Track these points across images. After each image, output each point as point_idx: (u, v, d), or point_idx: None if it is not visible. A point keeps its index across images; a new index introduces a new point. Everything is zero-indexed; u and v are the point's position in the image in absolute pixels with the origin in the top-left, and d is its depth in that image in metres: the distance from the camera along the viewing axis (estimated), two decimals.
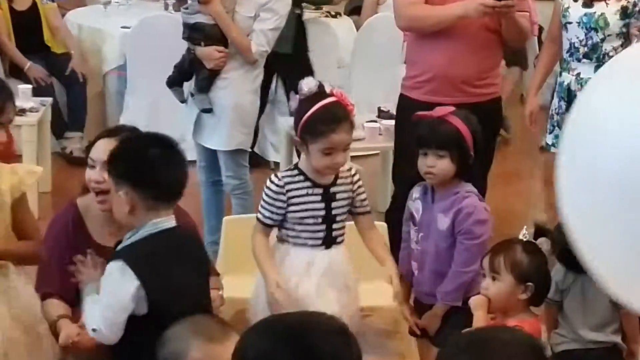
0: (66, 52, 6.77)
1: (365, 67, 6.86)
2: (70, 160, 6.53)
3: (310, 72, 6.14)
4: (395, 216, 3.91)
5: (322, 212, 3.35)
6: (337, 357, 1.90)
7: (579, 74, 4.52)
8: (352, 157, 5.97)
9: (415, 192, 3.54)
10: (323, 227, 3.37)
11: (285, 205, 3.32)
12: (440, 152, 3.39)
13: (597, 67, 4.42)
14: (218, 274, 3.53)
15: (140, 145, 2.93)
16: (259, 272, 3.39)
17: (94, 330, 2.81)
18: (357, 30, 7.26)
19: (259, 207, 3.38)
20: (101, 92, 7.04)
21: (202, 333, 2.45)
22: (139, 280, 2.77)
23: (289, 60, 5.84)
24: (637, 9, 4.44)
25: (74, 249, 3.17)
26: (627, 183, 1.85)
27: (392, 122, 4.88)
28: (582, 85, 4.48)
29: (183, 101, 4.96)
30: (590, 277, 3.44)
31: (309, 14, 7.50)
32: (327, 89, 3.33)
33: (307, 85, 3.29)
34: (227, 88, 4.81)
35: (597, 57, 4.48)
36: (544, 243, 3.30)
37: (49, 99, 6.17)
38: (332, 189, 3.38)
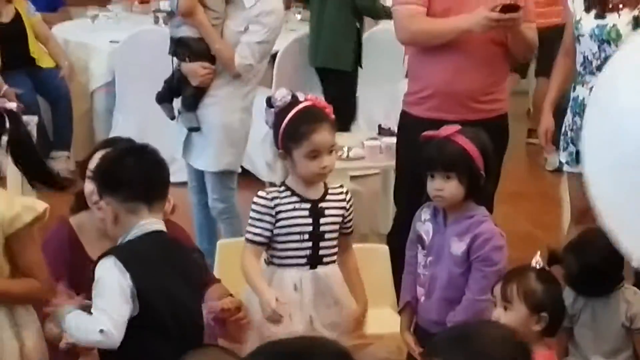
0: (52, 67, 6.68)
1: (365, 82, 6.70)
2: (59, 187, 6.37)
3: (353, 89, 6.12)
4: (398, 239, 3.79)
5: (309, 228, 3.28)
6: None
7: (593, 87, 4.31)
8: (351, 177, 5.88)
9: (425, 213, 3.43)
10: (309, 244, 3.29)
11: (273, 221, 3.26)
12: (447, 174, 3.28)
13: None
14: (219, 280, 3.51)
15: (113, 154, 2.98)
16: (248, 292, 3.34)
17: (101, 331, 2.73)
18: None
19: (247, 226, 3.32)
20: (89, 110, 6.96)
21: None
22: (129, 274, 2.75)
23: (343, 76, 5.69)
24: None
25: (71, 267, 3.18)
26: None
27: (394, 139, 4.76)
28: None
29: (173, 118, 4.86)
30: (601, 302, 3.39)
31: (305, 27, 7.37)
32: (301, 97, 3.29)
33: (280, 96, 3.26)
34: (215, 106, 4.70)
35: None
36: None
37: (34, 118, 5.99)
38: (321, 204, 3.30)
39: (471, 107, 4.20)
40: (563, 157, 4.53)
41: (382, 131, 5.56)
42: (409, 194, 3.88)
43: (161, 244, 2.89)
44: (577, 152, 4.42)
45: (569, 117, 4.46)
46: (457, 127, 3.37)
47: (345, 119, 5.86)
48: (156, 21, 7.15)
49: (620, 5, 4.30)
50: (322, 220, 3.29)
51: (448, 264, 3.32)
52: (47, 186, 3.08)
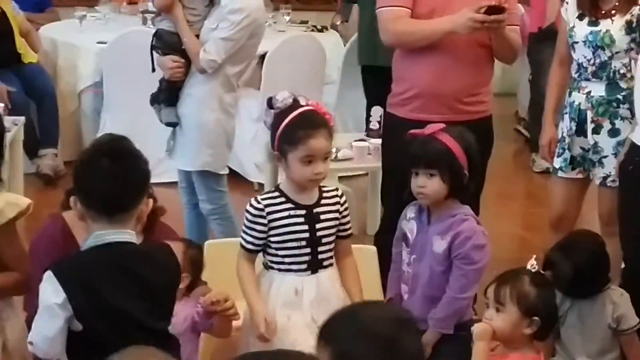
0: (35, 63, 6.67)
1: (354, 84, 6.69)
2: (46, 181, 6.42)
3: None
4: (385, 239, 3.78)
5: (306, 235, 3.24)
6: None
7: (589, 92, 4.37)
8: (340, 177, 5.88)
9: (410, 211, 3.43)
10: (307, 250, 3.26)
11: (266, 229, 3.22)
12: (430, 171, 3.29)
13: (607, 85, 4.31)
14: (205, 283, 3.47)
15: (92, 154, 2.85)
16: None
17: (30, 343, 2.73)
18: (345, 44, 7.10)
19: (241, 232, 3.29)
20: (76, 110, 6.91)
21: None
22: (65, 293, 2.67)
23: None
24: None
25: None
26: None
27: (380, 141, 4.77)
28: (592, 104, 4.34)
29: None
30: (587, 303, 3.40)
31: (294, 29, 7.37)
32: (302, 101, 3.25)
33: (282, 97, 3.22)
34: (191, 104, 4.67)
35: (606, 75, 4.32)
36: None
37: (22, 118, 5.97)
38: (316, 210, 3.27)
39: (456, 108, 4.19)
40: (557, 162, 4.50)
41: (370, 132, 5.55)
42: (396, 194, 3.87)
43: (115, 257, 2.74)
44: (573, 158, 4.43)
45: (566, 122, 4.44)
46: (442, 125, 3.37)
47: None
48: (144, 22, 7.10)
49: (613, 12, 4.30)
50: (318, 226, 3.25)
51: (430, 262, 3.33)
52: None
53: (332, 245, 3.31)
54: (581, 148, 4.40)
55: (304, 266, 3.25)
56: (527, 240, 5.78)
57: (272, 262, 3.27)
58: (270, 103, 3.24)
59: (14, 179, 5.70)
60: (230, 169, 5.06)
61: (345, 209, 3.35)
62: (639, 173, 3.88)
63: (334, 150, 5.14)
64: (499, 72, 6.73)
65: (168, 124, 4.71)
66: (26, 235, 3.37)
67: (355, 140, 5.45)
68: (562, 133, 4.47)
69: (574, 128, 4.40)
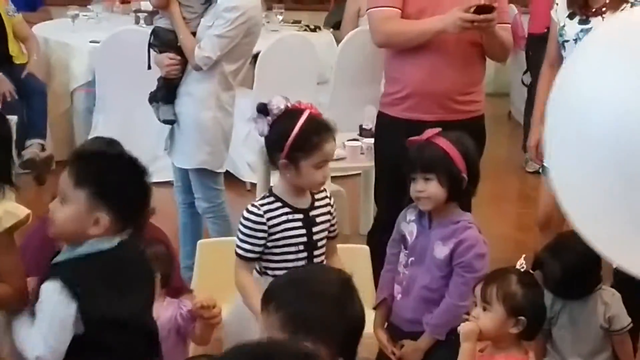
0: (25, 63, 6.62)
1: (347, 83, 6.71)
2: (36, 177, 6.38)
3: None
4: (378, 239, 3.79)
5: (304, 239, 3.23)
6: None
7: None
8: (332, 177, 5.86)
9: (410, 214, 3.41)
10: (304, 254, 3.25)
11: (266, 235, 3.18)
12: (427, 175, 3.27)
13: None
14: (191, 291, 3.46)
15: (130, 170, 2.71)
16: (238, 300, 3.28)
17: (37, 358, 2.63)
18: (338, 44, 7.09)
19: (237, 241, 3.22)
20: (69, 109, 6.88)
21: None
22: (76, 302, 2.61)
23: None
24: None
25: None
26: (611, 144, 1.94)
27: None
28: None
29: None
30: (579, 304, 3.39)
31: (287, 28, 7.36)
32: (290, 104, 3.20)
33: (277, 103, 3.15)
34: (188, 102, 4.66)
35: None
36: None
37: (14, 118, 5.94)
38: (312, 213, 3.26)
39: (448, 108, 4.19)
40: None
41: (363, 132, 5.54)
42: (389, 193, 3.87)
43: (110, 261, 2.68)
44: None
45: None
46: (439, 129, 3.36)
47: None
48: (137, 21, 7.10)
49: (603, 9, 4.31)
50: (314, 229, 3.25)
51: (430, 266, 3.31)
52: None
53: (324, 248, 3.30)
54: None
55: None
56: (520, 241, 5.77)
57: (268, 268, 3.24)
58: (264, 110, 3.16)
59: None
60: None
61: (334, 209, 3.34)
62: None
63: None
64: (492, 72, 6.75)
65: (166, 122, 4.70)
66: (19, 235, 3.34)
67: (348, 140, 5.43)
68: None
69: None
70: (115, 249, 2.68)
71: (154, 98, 4.72)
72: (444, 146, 3.28)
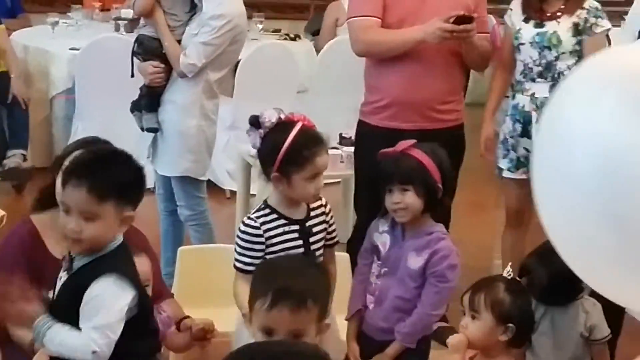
0: (6, 71, 6.58)
1: (326, 92, 6.74)
2: (15, 186, 6.34)
3: None
4: (358, 247, 3.72)
5: (301, 250, 3.20)
6: None
7: (533, 94, 4.48)
8: None
9: (382, 225, 3.41)
10: None
11: (264, 247, 3.15)
12: (404, 187, 3.28)
13: (552, 87, 4.40)
14: (172, 296, 3.47)
15: (133, 164, 2.79)
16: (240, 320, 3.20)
17: (94, 352, 2.63)
18: (317, 53, 7.11)
19: (235, 254, 3.18)
20: (48, 116, 6.87)
21: None
22: (135, 289, 2.68)
23: None
24: (588, 25, 4.42)
25: (32, 263, 3.12)
26: (597, 180, 1.96)
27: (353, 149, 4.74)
28: (537, 105, 4.44)
29: (142, 128, 4.77)
30: (561, 311, 3.42)
31: (267, 37, 7.37)
32: (283, 116, 3.17)
33: (269, 116, 3.12)
34: (172, 110, 4.66)
35: (552, 76, 4.43)
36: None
37: None
38: (308, 223, 3.23)
39: (428, 116, 4.22)
40: (503, 163, 4.60)
41: (343, 140, 5.53)
42: (369, 202, 3.88)
43: (125, 255, 2.78)
44: (518, 159, 4.54)
45: (508, 124, 4.55)
46: (413, 141, 3.36)
47: None
48: (117, 29, 7.07)
49: (559, 14, 4.41)
50: (312, 239, 3.23)
51: (403, 277, 3.32)
52: None
53: (322, 257, 3.29)
54: (525, 149, 4.49)
55: None
56: (497, 249, 5.80)
57: None
58: (256, 123, 3.12)
59: None
60: None
61: (331, 217, 3.32)
62: None
63: None
64: (470, 82, 6.77)
65: (149, 130, 4.68)
66: None
67: (329, 147, 5.42)
68: (505, 135, 4.57)
69: (519, 129, 4.50)
70: (123, 242, 2.76)
71: (136, 107, 4.71)
72: (419, 157, 3.29)
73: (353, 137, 5.07)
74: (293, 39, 7.57)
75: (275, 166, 3.11)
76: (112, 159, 2.79)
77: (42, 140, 6.81)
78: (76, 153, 2.97)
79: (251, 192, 5.49)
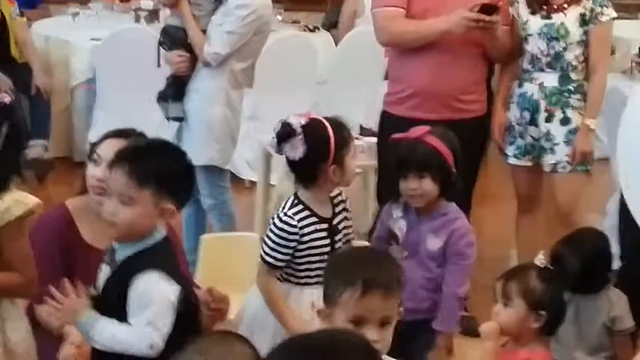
0: (26, 62, 6.64)
1: (345, 83, 6.75)
2: (39, 175, 6.37)
3: None
4: None
5: (327, 249, 3.20)
6: None
7: (542, 83, 4.49)
8: None
9: (396, 211, 3.44)
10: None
11: (296, 245, 3.16)
12: (420, 174, 3.31)
13: (560, 77, 4.45)
14: (198, 287, 3.36)
15: (182, 159, 2.80)
16: (252, 294, 3.28)
17: (151, 347, 2.61)
18: (336, 44, 7.12)
19: (266, 248, 3.17)
20: (68, 106, 6.89)
21: None
22: (177, 285, 2.65)
23: None
24: (593, 14, 4.44)
25: (65, 248, 3.14)
26: None
27: (374, 139, 4.78)
28: (545, 95, 4.47)
29: (168, 118, 4.79)
30: (586, 299, 3.44)
31: (286, 28, 7.39)
32: (298, 117, 3.16)
33: (296, 121, 3.10)
34: (197, 99, 4.69)
35: (560, 66, 4.46)
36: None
37: (20, 119, 5.98)
38: (334, 222, 3.24)
39: (452, 107, 4.25)
40: (509, 150, 4.63)
41: (363, 131, 5.56)
42: (392, 191, 3.90)
43: (168, 249, 2.77)
44: (525, 146, 4.57)
45: (515, 112, 4.57)
46: (427, 127, 3.38)
47: None
48: (137, 20, 7.12)
49: (565, 5, 4.42)
50: (336, 238, 3.23)
51: (423, 259, 3.36)
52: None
53: None
54: (532, 137, 4.52)
55: (321, 278, 3.25)
56: (518, 243, 5.80)
57: (291, 275, 3.21)
58: (289, 132, 3.09)
59: None
60: None
61: (350, 212, 3.32)
62: None
63: None
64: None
65: (174, 119, 4.71)
66: (26, 230, 3.35)
67: None
68: (512, 122, 4.58)
69: (527, 117, 4.52)
70: (166, 237, 2.74)
71: (162, 96, 4.73)
72: (434, 144, 3.31)
73: (373, 128, 5.11)
74: (312, 31, 7.58)
75: (331, 157, 3.10)
76: (161, 149, 2.80)
77: (63, 131, 6.83)
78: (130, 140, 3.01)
79: (271, 182, 5.52)
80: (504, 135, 4.62)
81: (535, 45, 4.44)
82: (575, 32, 4.40)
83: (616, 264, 3.88)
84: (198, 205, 4.80)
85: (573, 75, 4.43)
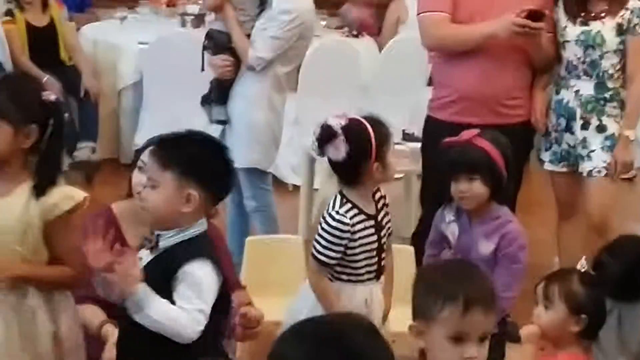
0: (74, 65, 6.74)
1: (388, 89, 6.77)
2: (86, 176, 6.44)
3: None
4: (423, 239, 3.80)
5: (376, 245, 3.27)
6: (379, 357, 1.84)
7: (577, 91, 4.50)
8: None
9: (448, 214, 3.49)
10: (376, 259, 3.30)
11: (348, 242, 3.21)
12: (471, 176, 3.34)
13: (596, 85, 4.46)
14: (244, 287, 3.46)
15: (202, 144, 2.79)
16: (300, 296, 3.32)
17: (199, 332, 2.64)
18: (379, 50, 7.16)
19: (319, 247, 3.22)
20: (116, 108, 6.97)
21: None
22: (218, 275, 2.69)
23: None
24: (631, 25, 4.44)
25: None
26: None
27: (417, 144, 4.80)
28: (581, 102, 4.48)
29: (212, 121, 4.85)
30: (629, 307, 3.42)
31: (330, 34, 7.42)
32: (337, 118, 3.21)
33: (336, 122, 3.17)
34: (241, 103, 4.75)
35: (596, 74, 4.47)
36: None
37: (64, 116, 6.05)
38: (378, 217, 3.30)
39: (496, 111, 4.27)
40: (545, 156, 4.64)
41: (406, 137, 5.58)
42: (435, 195, 3.93)
43: (209, 241, 2.81)
44: (561, 152, 4.57)
45: (552, 118, 4.56)
46: (477, 131, 3.42)
47: None
48: (183, 24, 7.19)
49: (603, 14, 4.43)
50: (382, 233, 3.30)
51: (476, 262, 3.26)
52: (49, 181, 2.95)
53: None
54: (567, 144, 4.53)
55: (372, 275, 3.29)
56: (559, 249, 5.79)
57: (342, 273, 3.27)
58: (330, 133, 3.15)
59: None
60: None
61: (388, 207, 3.38)
62: None
63: None
64: None
65: (218, 122, 4.77)
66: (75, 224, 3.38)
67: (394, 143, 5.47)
68: (548, 128, 4.58)
69: (563, 124, 4.53)
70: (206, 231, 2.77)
71: (206, 100, 4.80)
72: (485, 147, 3.35)
73: (416, 133, 5.14)
74: (355, 36, 7.62)
75: (374, 155, 3.17)
76: (191, 137, 2.81)
77: (110, 132, 6.92)
78: None
79: (316, 187, 5.57)
80: (541, 139, 4.63)
81: (572, 52, 4.46)
82: (612, 40, 4.41)
83: None
84: (242, 208, 4.86)
85: (609, 84, 4.44)
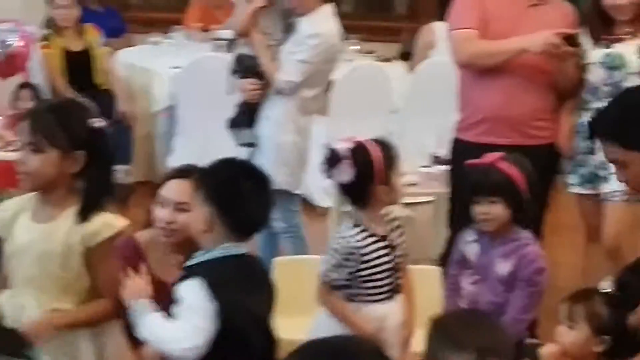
0: (110, 88, 6.82)
1: (418, 113, 6.81)
2: (121, 199, 6.50)
3: None
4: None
5: (390, 265, 3.32)
6: None
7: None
8: (404, 203, 5.93)
9: (469, 236, 3.51)
10: (390, 279, 3.35)
11: (358, 264, 3.27)
12: (492, 199, 3.36)
13: None
14: None
15: (236, 173, 2.92)
16: (322, 314, 3.37)
17: (185, 350, 2.73)
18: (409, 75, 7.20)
19: (327, 270, 3.30)
20: (149, 132, 7.05)
21: None
22: (215, 295, 2.74)
23: None
24: None
25: None
26: None
27: (445, 167, 4.85)
28: None
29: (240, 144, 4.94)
30: None
31: (362, 58, 7.48)
32: (343, 141, 3.30)
33: (341, 147, 3.26)
34: (268, 126, 4.84)
35: None
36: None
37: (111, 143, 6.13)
38: (390, 237, 3.36)
39: (522, 132, 4.30)
40: (572, 179, 4.66)
41: (435, 159, 5.60)
42: (462, 217, 3.96)
43: (243, 267, 2.86)
44: (587, 175, 4.59)
45: (577, 141, 4.58)
46: (500, 153, 3.44)
47: None
48: (216, 48, 7.28)
49: (626, 36, 4.46)
50: (395, 253, 3.35)
51: (493, 283, 3.40)
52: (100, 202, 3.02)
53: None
54: (592, 166, 4.55)
55: (388, 294, 3.34)
56: (586, 269, 5.79)
57: (356, 294, 3.32)
58: (337, 157, 3.25)
59: None
60: None
61: (403, 228, 3.43)
62: None
63: None
64: None
65: (246, 145, 4.85)
66: None
67: (422, 166, 5.50)
68: (574, 151, 4.59)
69: (587, 147, 4.52)
70: (243, 255, 2.85)
71: (233, 123, 4.88)
72: (507, 170, 3.37)
73: (444, 156, 5.17)
74: (387, 60, 7.68)
75: (380, 178, 3.24)
76: (218, 162, 2.97)
77: (143, 156, 6.99)
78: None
79: (345, 210, 5.59)
80: (567, 162, 4.64)
81: (595, 74, 4.49)
82: (634, 62, 4.43)
83: None
84: (270, 229, 4.89)
85: None
